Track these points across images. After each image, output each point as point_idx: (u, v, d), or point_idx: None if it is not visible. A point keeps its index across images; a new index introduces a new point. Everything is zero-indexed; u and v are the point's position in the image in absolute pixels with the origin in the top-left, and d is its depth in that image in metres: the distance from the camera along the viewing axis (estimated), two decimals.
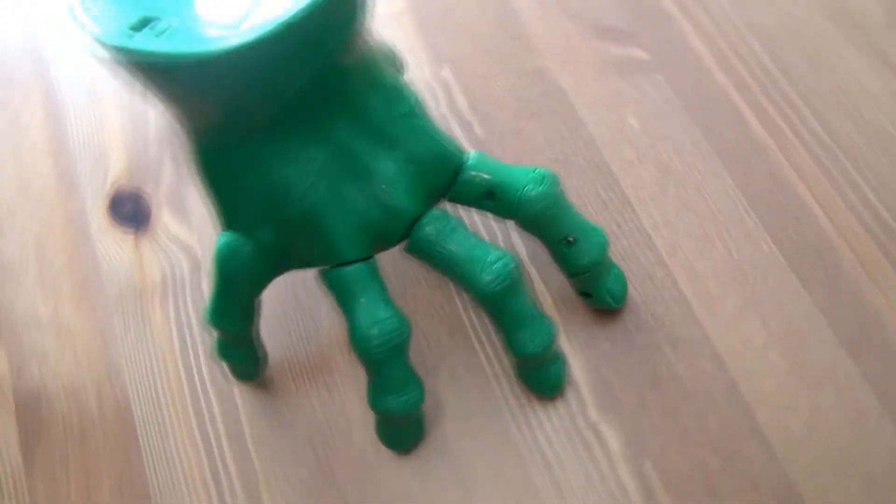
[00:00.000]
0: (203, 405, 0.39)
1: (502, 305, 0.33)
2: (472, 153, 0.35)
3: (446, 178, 0.34)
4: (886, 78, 0.42)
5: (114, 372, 0.41)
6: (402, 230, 0.33)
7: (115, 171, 0.46)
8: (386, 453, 0.37)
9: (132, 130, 0.47)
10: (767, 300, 0.38)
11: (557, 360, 0.37)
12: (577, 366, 0.38)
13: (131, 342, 0.41)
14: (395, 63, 0.40)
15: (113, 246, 0.44)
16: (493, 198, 0.34)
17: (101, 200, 0.46)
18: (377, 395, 0.33)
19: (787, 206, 0.40)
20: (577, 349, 0.38)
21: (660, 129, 0.43)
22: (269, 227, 0.32)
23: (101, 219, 0.45)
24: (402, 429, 0.36)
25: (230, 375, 0.39)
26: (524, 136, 0.44)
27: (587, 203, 0.41)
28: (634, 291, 0.39)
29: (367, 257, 0.33)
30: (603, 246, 0.36)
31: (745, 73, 0.43)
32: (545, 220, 0.34)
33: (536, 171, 0.34)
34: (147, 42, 0.25)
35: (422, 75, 0.46)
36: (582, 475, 0.36)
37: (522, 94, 0.45)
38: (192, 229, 0.44)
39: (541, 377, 0.36)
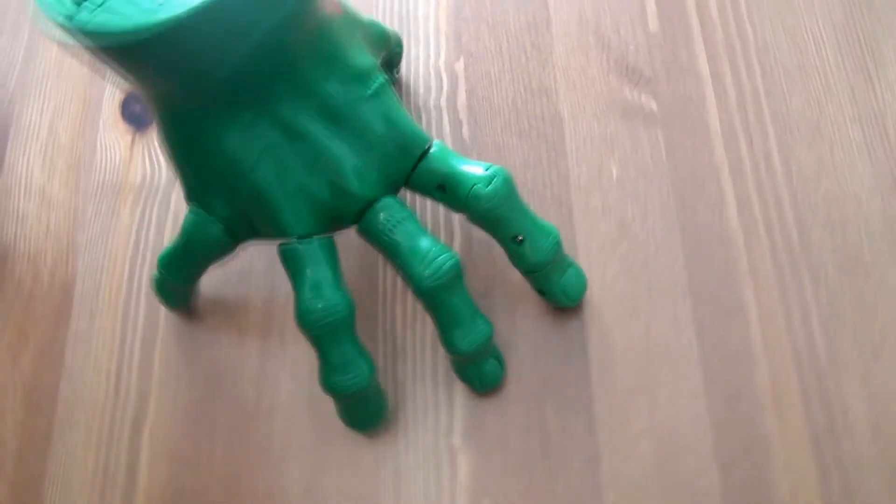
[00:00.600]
0: (132, 308, 0.43)
1: (438, 301, 0.34)
2: (434, 143, 0.35)
3: (407, 165, 0.35)
4: (889, 205, 0.39)
5: (72, 252, 0.45)
6: (354, 212, 0.34)
7: None
8: (265, 411, 0.40)
9: None
10: (663, 391, 0.37)
11: (492, 358, 0.37)
12: (462, 389, 0.39)
13: (95, 231, 0.45)
14: (385, 43, 0.41)
15: (112, 139, 0.47)
16: (445, 191, 0.35)
17: (118, 94, 0.49)
18: (324, 373, 0.35)
19: (725, 305, 0.38)
20: None
21: (637, 186, 0.41)
22: (222, 200, 0.34)
23: (112, 111, 0.48)
24: (357, 408, 0.37)
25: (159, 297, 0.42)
26: (505, 151, 0.43)
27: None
28: (541, 339, 0.39)
29: (319, 234, 0.34)
30: (553, 246, 0.36)
31: (746, 157, 0.41)
32: (493, 218, 0.35)
33: (489, 169, 0.34)
34: (84, 21, 0.27)
35: (436, 61, 0.46)
36: (422, 495, 0.37)
37: (520, 109, 0.44)
38: None
39: (473, 374, 0.37)
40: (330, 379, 0.35)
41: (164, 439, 0.40)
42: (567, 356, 0.39)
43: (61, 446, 0.40)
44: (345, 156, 0.33)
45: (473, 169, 0.34)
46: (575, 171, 0.42)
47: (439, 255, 0.33)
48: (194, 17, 0.27)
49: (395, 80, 0.45)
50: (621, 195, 0.41)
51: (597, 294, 0.40)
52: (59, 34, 0.28)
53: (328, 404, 0.39)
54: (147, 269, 0.44)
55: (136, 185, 0.46)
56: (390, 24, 0.48)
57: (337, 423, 0.39)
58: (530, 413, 0.38)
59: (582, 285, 0.39)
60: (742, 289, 0.39)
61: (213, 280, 0.43)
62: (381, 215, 0.34)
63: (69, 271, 0.44)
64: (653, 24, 0.45)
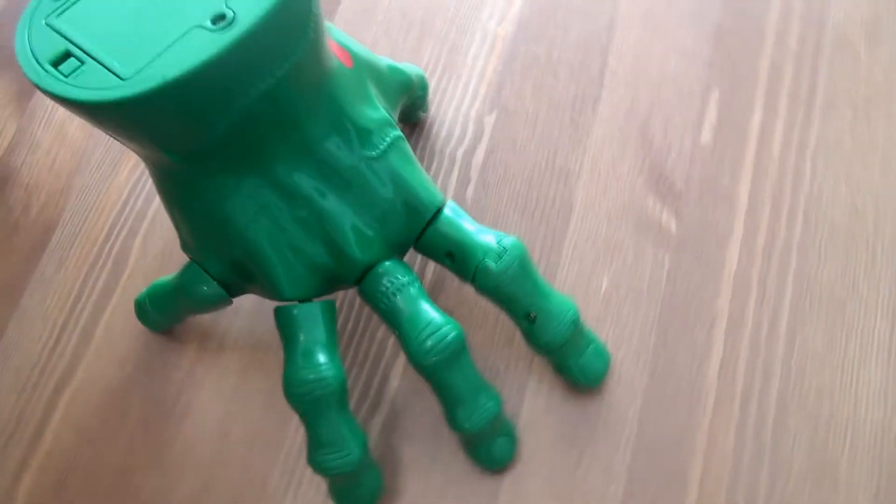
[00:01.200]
0: (96, 270, 0.43)
1: (439, 378, 0.31)
2: (448, 204, 0.33)
3: (416, 227, 0.32)
4: (891, 422, 0.34)
5: (66, 194, 0.45)
6: (356, 275, 0.32)
7: None
8: (178, 413, 0.39)
9: None
10: None
11: (503, 433, 0.35)
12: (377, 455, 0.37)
13: (92, 180, 0.45)
14: (406, 89, 0.38)
15: None
16: (453, 259, 0.32)
17: None
18: (310, 449, 0.32)
19: (668, 467, 0.35)
20: (408, 447, 0.37)
21: (622, 307, 0.38)
22: (216, 257, 0.32)
23: None
24: (347, 486, 0.34)
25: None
26: (502, 223, 0.40)
27: (497, 336, 0.38)
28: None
29: (318, 296, 0.32)
30: (569, 325, 0.33)
31: (752, 311, 0.37)
32: (502, 295, 0.32)
33: (501, 241, 0.32)
34: (54, 83, 0.26)
35: (468, 108, 0.43)
36: None
37: (534, 184, 0.41)
38: None
39: (481, 453, 0.35)
40: (317, 457, 0.32)
41: (79, 408, 0.40)
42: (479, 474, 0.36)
43: None
44: (345, 218, 0.31)
45: (485, 239, 0.32)
46: (564, 270, 0.39)
47: (441, 327, 0.31)
48: (170, 87, 0.24)
49: (418, 121, 0.43)
50: (602, 312, 0.38)
51: (536, 409, 0.37)
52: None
53: (238, 426, 0.38)
54: (124, 236, 0.43)
55: None
56: (438, 54, 0.45)
57: (238, 449, 0.38)
58: None
59: (603, 365, 0.36)
60: (693, 454, 0.35)
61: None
62: (383, 280, 0.31)
63: (56, 213, 0.45)
64: (706, 136, 0.41)
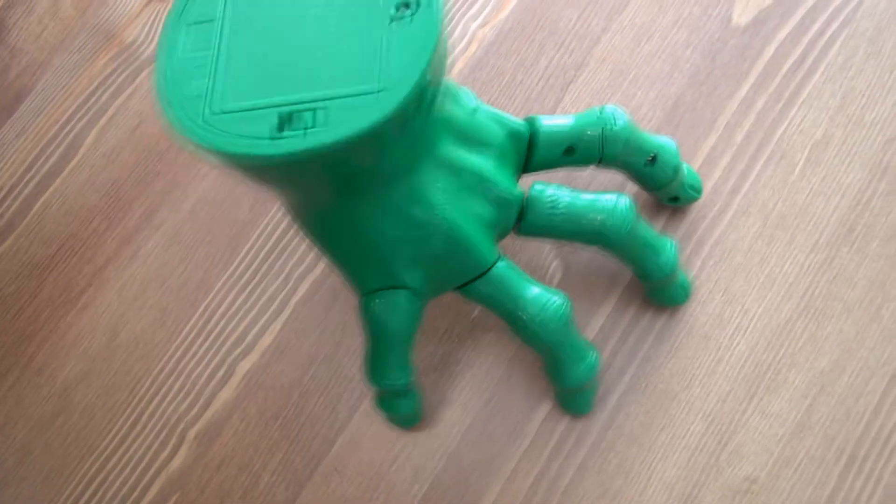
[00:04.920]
0: (51, 147, 0.47)
1: (633, 239, 0.35)
2: (532, 119, 0.36)
3: (523, 152, 0.36)
4: None
5: (43, 67, 0.49)
6: (515, 216, 0.35)
7: None
8: (76, 310, 0.44)
9: None
10: None
11: (681, 272, 0.39)
12: (240, 381, 0.42)
13: (70, 61, 0.48)
14: None
15: None
16: (574, 152, 0.36)
17: None
18: (566, 370, 0.36)
19: (467, 489, 0.39)
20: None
21: (486, 334, 0.41)
22: (412, 267, 0.33)
23: None
24: (582, 393, 0.38)
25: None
26: None
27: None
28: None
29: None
30: (677, 150, 0.38)
31: None
32: (629, 150, 0.36)
33: (602, 111, 0.36)
34: (298, 141, 0.25)
35: None
36: (126, 474, 0.41)
37: None
38: None
39: (671, 291, 0.39)
40: (572, 373, 0.36)
41: (0, 271, 0.45)
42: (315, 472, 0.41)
43: None
44: (492, 168, 0.34)
45: (589, 118, 0.36)
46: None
47: (618, 200, 0.35)
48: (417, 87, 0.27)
49: None
50: (466, 332, 0.41)
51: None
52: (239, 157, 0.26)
53: (126, 331, 0.43)
54: (83, 125, 0.47)
55: (125, 43, 0.48)
56: None
57: (120, 351, 0.43)
58: (253, 457, 0.41)
59: (697, 175, 0.41)
60: (492, 485, 0.39)
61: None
62: (542, 200, 0.35)
63: (31, 82, 0.48)
64: None
